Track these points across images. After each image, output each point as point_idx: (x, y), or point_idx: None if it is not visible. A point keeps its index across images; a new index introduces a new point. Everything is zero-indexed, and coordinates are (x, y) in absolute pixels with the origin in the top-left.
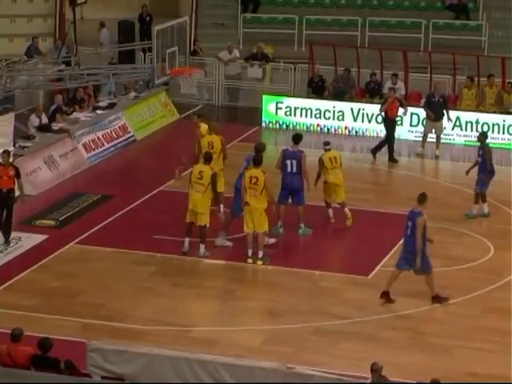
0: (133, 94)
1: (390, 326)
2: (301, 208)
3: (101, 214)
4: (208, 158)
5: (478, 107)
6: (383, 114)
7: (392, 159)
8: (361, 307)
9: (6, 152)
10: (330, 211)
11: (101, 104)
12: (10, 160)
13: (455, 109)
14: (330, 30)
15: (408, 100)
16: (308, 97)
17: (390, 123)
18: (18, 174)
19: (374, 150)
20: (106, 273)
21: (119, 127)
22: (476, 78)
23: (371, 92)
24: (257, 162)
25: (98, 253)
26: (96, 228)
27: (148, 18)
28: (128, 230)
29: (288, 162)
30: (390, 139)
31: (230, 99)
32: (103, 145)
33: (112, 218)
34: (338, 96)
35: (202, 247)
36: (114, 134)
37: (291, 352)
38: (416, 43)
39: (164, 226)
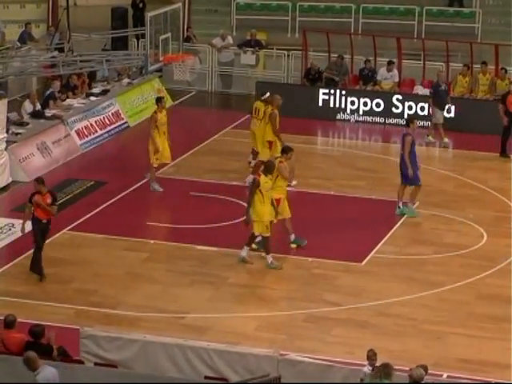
0: (126, 80)
1: (382, 312)
2: None
3: (94, 201)
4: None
5: (471, 94)
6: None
7: (503, 153)
8: (354, 294)
9: (39, 180)
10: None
11: (94, 90)
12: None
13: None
14: (324, 16)
15: (401, 87)
16: (302, 84)
17: (510, 116)
18: (54, 201)
19: (503, 148)
20: (98, 259)
21: (112, 114)
22: (470, 64)
23: (365, 79)
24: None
25: (91, 239)
26: (89, 215)
27: (141, 5)
28: (121, 216)
29: None
30: (505, 132)
31: (223, 86)
32: (96, 131)
33: (105, 205)
34: (331, 83)
35: (269, 257)
36: (107, 121)
37: (284, 339)
38: (409, 30)
39: (157, 212)
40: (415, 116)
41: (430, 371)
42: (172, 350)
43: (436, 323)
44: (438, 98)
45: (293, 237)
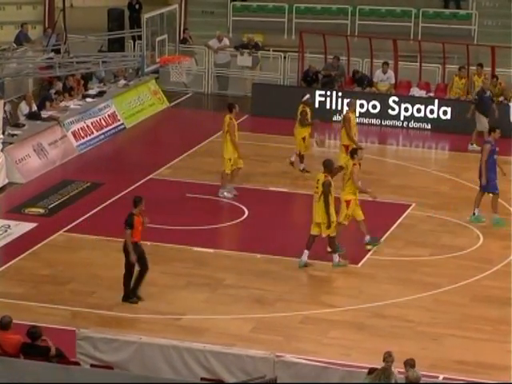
0: (122, 82)
1: (379, 314)
2: None
3: (90, 202)
4: (326, 166)
5: (467, 96)
6: None
7: None
8: (350, 295)
9: (141, 200)
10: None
11: (90, 92)
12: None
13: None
14: (320, 18)
15: (397, 89)
16: (299, 86)
17: None
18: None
19: None
20: (95, 261)
21: (109, 115)
22: (466, 66)
23: (359, 82)
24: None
25: (87, 241)
26: (85, 216)
27: (137, 6)
28: (117, 218)
29: None
30: None
31: (220, 88)
32: (92, 133)
33: (101, 206)
34: (328, 85)
35: (335, 257)
36: (104, 122)
37: (280, 340)
38: (406, 32)
39: (153, 214)
40: (497, 126)
41: (426, 373)
42: (168, 352)
43: (432, 325)
44: (482, 105)
45: (368, 238)
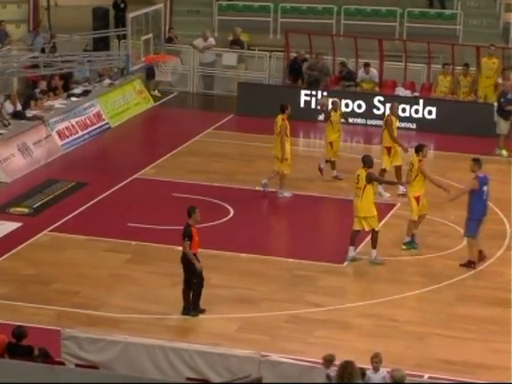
0: (107, 81)
1: (365, 313)
2: None
3: (75, 202)
4: (366, 161)
5: (453, 95)
6: None
7: None
8: (336, 295)
9: (193, 208)
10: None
11: (75, 91)
12: None
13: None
14: (306, 17)
15: (382, 88)
16: (283, 85)
17: None
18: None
19: None
20: (80, 260)
21: (93, 114)
22: (451, 66)
23: (345, 77)
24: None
25: (73, 240)
26: (70, 216)
27: (123, 5)
28: (102, 217)
29: None
30: None
31: (205, 87)
32: (77, 132)
33: (86, 206)
34: (313, 84)
35: (374, 252)
36: (89, 122)
37: (266, 340)
38: (391, 31)
39: (139, 213)
40: None
41: (412, 372)
42: (153, 352)
43: (418, 324)
44: (502, 108)
45: (407, 239)
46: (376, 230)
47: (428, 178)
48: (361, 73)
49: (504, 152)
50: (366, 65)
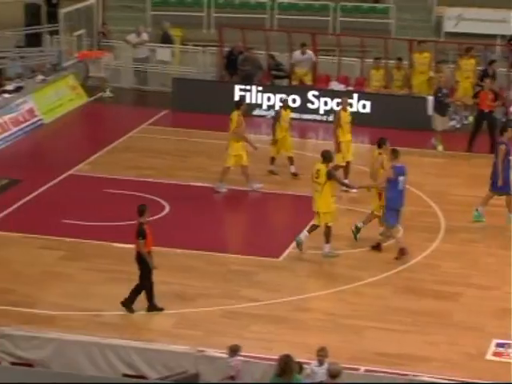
0: (40, 77)
1: (300, 307)
2: None
3: (8, 199)
4: (326, 157)
5: (387, 89)
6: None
7: (469, 148)
8: (272, 289)
9: (144, 207)
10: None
11: (8, 87)
12: None
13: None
14: (239, 12)
15: (316, 83)
16: (217, 80)
17: (479, 114)
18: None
19: (490, 146)
20: (14, 258)
21: (26, 111)
22: (383, 60)
23: (276, 69)
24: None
25: (6, 238)
26: (4, 213)
27: (55, 1)
28: (36, 214)
29: None
30: (474, 129)
31: (139, 82)
32: (10, 129)
33: (20, 203)
34: (247, 79)
35: (327, 246)
36: (21, 118)
37: (202, 335)
38: (324, 26)
39: (73, 210)
40: (510, 124)
41: (347, 365)
42: (90, 349)
43: (353, 317)
44: (439, 104)
45: (360, 224)
46: (329, 225)
47: (378, 171)
48: (297, 55)
49: (440, 147)
50: (303, 45)
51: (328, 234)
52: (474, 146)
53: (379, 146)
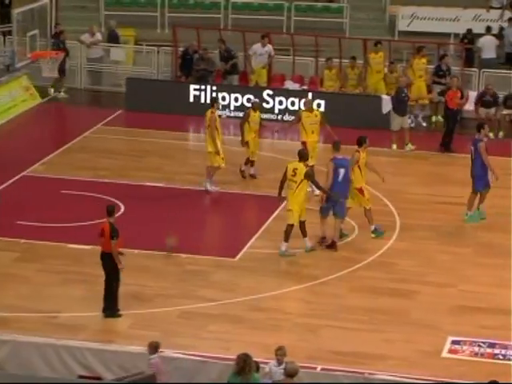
0: None
1: (257, 307)
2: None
3: None
4: (303, 156)
5: (341, 89)
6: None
7: (446, 148)
8: (228, 289)
9: (113, 208)
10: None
11: None
12: None
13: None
14: (193, 12)
15: (271, 82)
16: (172, 80)
17: (449, 113)
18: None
19: (446, 145)
20: None
21: None
22: (337, 60)
23: (224, 59)
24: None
25: None
26: None
27: (7, 1)
28: None
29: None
30: (448, 129)
31: (93, 82)
32: None
33: None
34: (202, 79)
35: (284, 245)
36: None
37: (159, 336)
38: (279, 25)
39: (27, 211)
40: (484, 121)
41: (304, 364)
42: (45, 350)
43: (310, 316)
44: (398, 105)
45: (372, 227)
46: (291, 224)
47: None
48: (257, 47)
49: (410, 146)
50: (263, 36)
51: (289, 232)
52: (452, 144)
53: (359, 145)
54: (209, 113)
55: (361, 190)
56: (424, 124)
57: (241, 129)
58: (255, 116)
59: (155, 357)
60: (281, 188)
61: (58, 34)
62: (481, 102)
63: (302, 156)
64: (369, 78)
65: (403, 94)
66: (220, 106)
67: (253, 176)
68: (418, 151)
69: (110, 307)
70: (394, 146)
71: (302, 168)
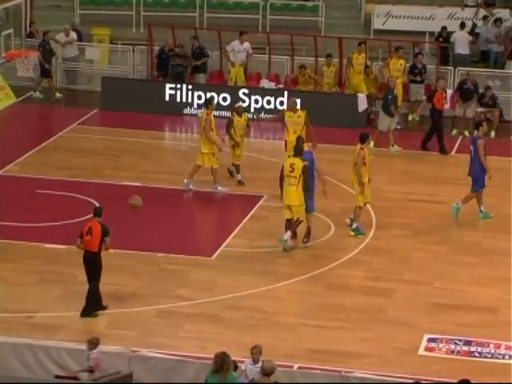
0: None
1: (234, 306)
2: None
3: None
4: (298, 151)
5: (316, 88)
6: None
7: (443, 150)
8: (205, 288)
9: (101, 208)
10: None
11: None
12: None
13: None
14: (169, 10)
15: (247, 81)
16: (147, 79)
17: (437, 114)
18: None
19: (424, 143)
20: None
21: None
22: (310, 63)
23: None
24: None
25: None
26: None
27: None
28: None
29: None
30: (438, 131)
31: (68, 82)
32: None
33: None
34: (179, 77)
35: (287, 234)
36: None
37: (135, 335)
38: (254, 24)
39: (3, 211)
40: (483, 119)
41: (281, 363)
42: (21, 350)
43: (287, 315)
44: (388, 106)
45: (355, 225)
46: (301, 219)
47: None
48: (236, 44)
49: (396, 147)
50: (242, 33)
51: (296, 226)
52: (444, 145)
53: (362, 141)
54: (204, 114)
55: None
56: (398, 127)
57: (227, 133)
58: (240, 121)
59: (94, 352)
60: (282, 186)
61: (32, 34)
62: (461, 90)
63: (297, 151)
64: (351, 79)
65: (390, 96)
66: (214, 107)
67: (240, 182)
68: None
69: (91, 310)
70: (372, 144)
71: (299, 163)
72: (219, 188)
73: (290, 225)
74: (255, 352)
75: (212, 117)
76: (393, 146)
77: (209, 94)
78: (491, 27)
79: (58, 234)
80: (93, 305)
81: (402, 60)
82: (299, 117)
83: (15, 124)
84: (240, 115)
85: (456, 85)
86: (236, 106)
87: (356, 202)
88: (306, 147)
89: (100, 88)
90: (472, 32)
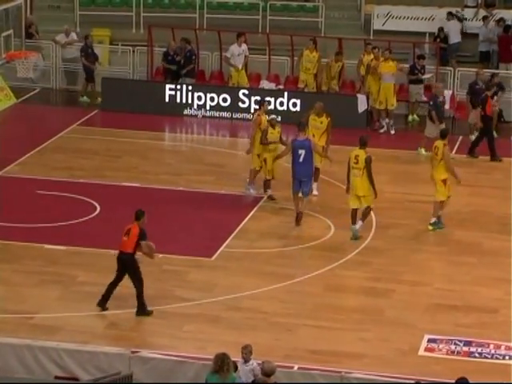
0: None
1: (233, 306)
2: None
3: None
4: (363, 142)
5: (317, 87)
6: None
7: (494, 156)
8: (205, 289)
9: (142, 212)
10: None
11: None
12: None
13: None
14: (169, 11)
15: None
16: (147, 80)
17: (488, 120)
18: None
19: (472, 149)
20: None
21: None
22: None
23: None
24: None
25: None
26: None
27: None
28: None
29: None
30: (489, 137)
31: (68, 83)
32: None
33: None
34: (189, 73)
35: (360, 224)
36: None
37: (135, 336)
38: (254, 25)
39: (3, 211)
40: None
41: (281, 363)
42: (21, 351)
43: (287, 316)
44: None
45: (433, 220)
46: (371, 207)
47: (445, 163)
48: (234, 47)
49: (423, 151)
50: (239, 34)
51: (367, 214)
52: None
53: (443, 137)
54: (255, 115)
55: (445, 181)
56: (392, 132)
57: (251, 140)
58: (273, 133)
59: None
60: (349, 177)
61: (31, 34)
62: (472, 93)
63: (363, 142)
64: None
65: (432, 103)
66: (267, 108)
67: (271, 197)
68: (392, 150)
69: (142, 307)
70: (423, 150)
71: (362, 154)
72: (251, 190)
73: (356, 215)
74: (245, 351)
75: (262, 118)
76: (420, 148)
77: (209, 95)
78: (493, 27)
79: (58, 234)
80: (140, 304)
81: (391, 62)
82: (321, 123)
83: (15, 125)
84: (274, 127)
85: (466, 88)
86: (269, 118)
87: (437, 197)
88: (305, 134)
89: (100, 89)
90: (460, 20)
